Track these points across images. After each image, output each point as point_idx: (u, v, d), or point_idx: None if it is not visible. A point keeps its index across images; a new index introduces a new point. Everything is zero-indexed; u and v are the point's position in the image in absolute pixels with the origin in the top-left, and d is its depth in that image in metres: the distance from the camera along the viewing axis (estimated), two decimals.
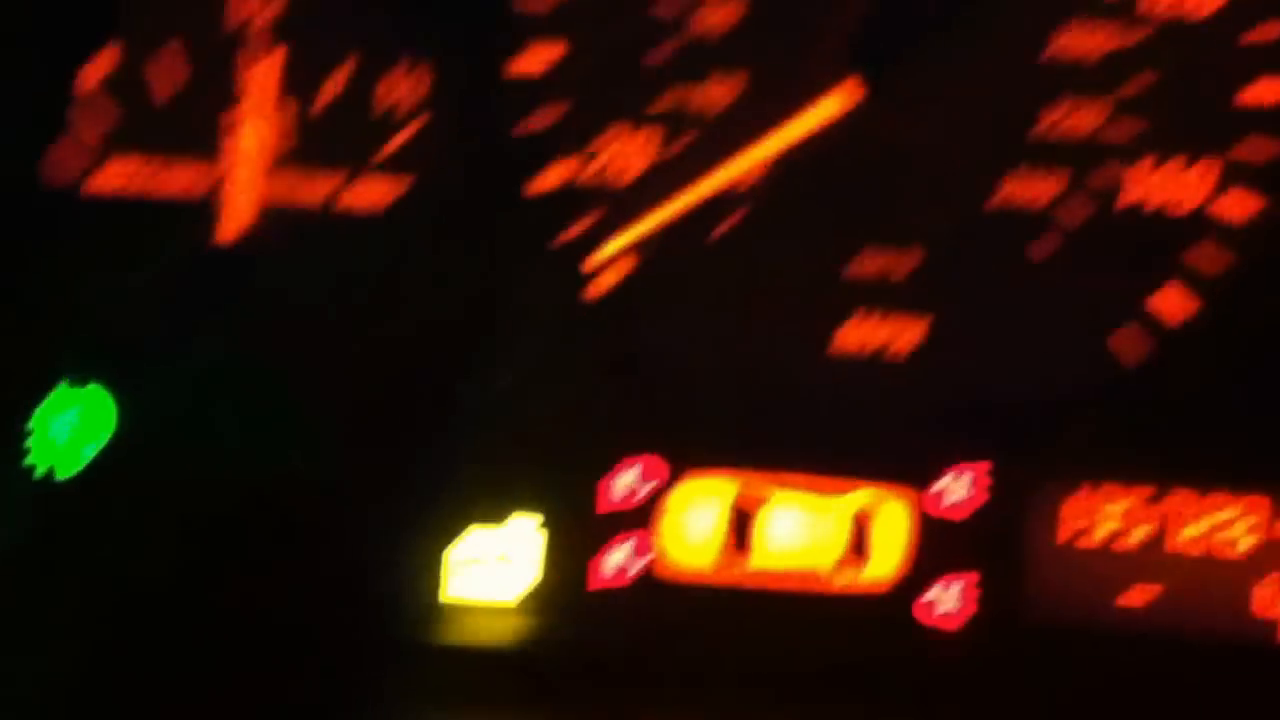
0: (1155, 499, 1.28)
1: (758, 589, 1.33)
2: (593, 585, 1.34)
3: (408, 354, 1.34)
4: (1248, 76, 1.29)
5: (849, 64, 1.30)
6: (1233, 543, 1.28)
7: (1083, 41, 1.30)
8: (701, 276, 1.34)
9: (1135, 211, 1.30)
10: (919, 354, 1.32)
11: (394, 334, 1.34)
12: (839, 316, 1.33)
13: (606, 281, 1.35)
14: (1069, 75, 1.30)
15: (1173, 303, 1.29)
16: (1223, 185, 1.29)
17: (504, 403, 1.34)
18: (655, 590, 1.33)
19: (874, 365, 1.32)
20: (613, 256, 1.33)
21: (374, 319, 1.34)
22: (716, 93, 1.33)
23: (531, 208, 1.35)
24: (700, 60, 1.33)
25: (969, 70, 1.31)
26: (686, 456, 1.34)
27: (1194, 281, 1.29)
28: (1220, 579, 1.27)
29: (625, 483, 1.35)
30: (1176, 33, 1.29)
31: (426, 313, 1.33)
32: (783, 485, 1.33)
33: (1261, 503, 1.27)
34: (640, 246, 1.34)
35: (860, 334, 1.32)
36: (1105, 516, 1.28)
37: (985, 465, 1.30)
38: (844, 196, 1.32)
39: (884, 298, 1.32)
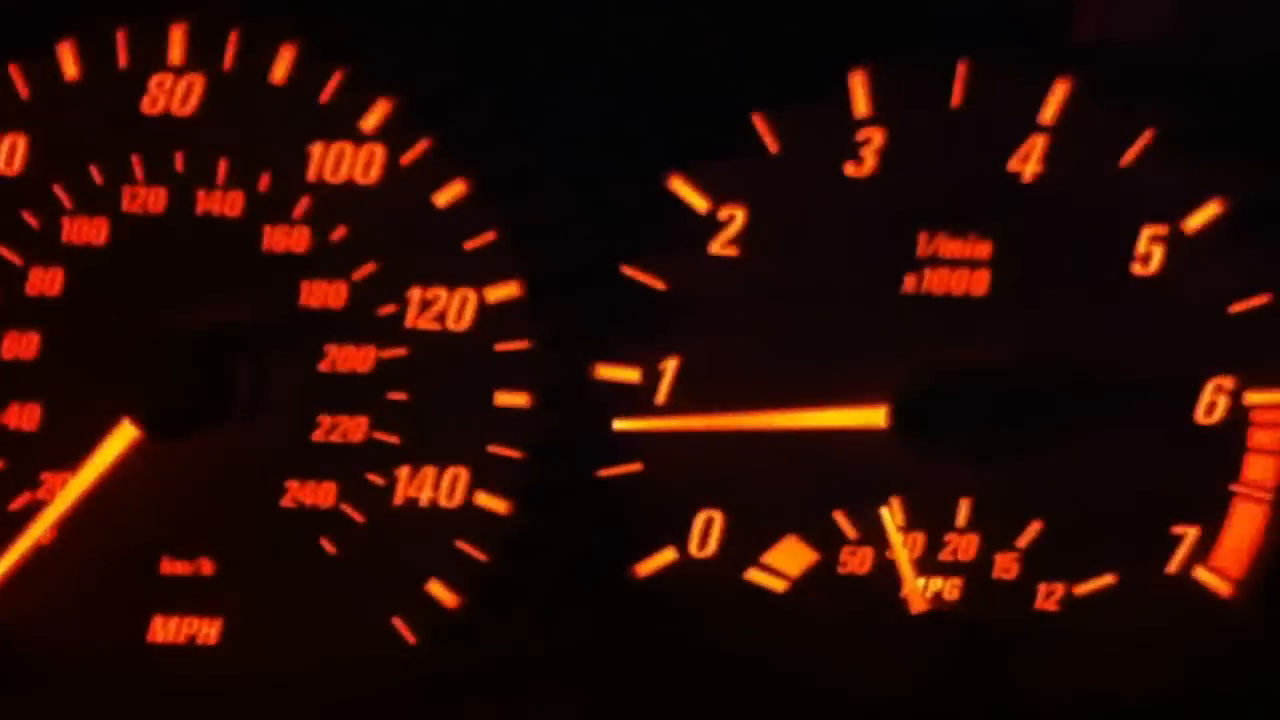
0: None
1: None
2: None
3: None
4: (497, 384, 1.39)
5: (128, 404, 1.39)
6: None
7: (353, 357, 1.39)
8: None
9: (407, 509, 1.40)
10: (218, 649, 1.43)
11: None
12: (151, 613, 1.43)
13: None
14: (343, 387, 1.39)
15: (443, 590, 1.41)
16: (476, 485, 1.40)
17: None
18: None
19: (184, 660, 1.43)
20: None
21: None
22: (19, 417, 1.42)
23: None
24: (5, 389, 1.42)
25: (245, 392, 1.40)
26: None
27: (460, 570, 1.40)
28: None
29: None
30: (435, 344, 1.39)
31: None
32: None
33: None
34: None
35: (169, 631, 1.43)
36: None
37: None
38: (152, 509, 1.42)
39: (188, 599, 1.43)
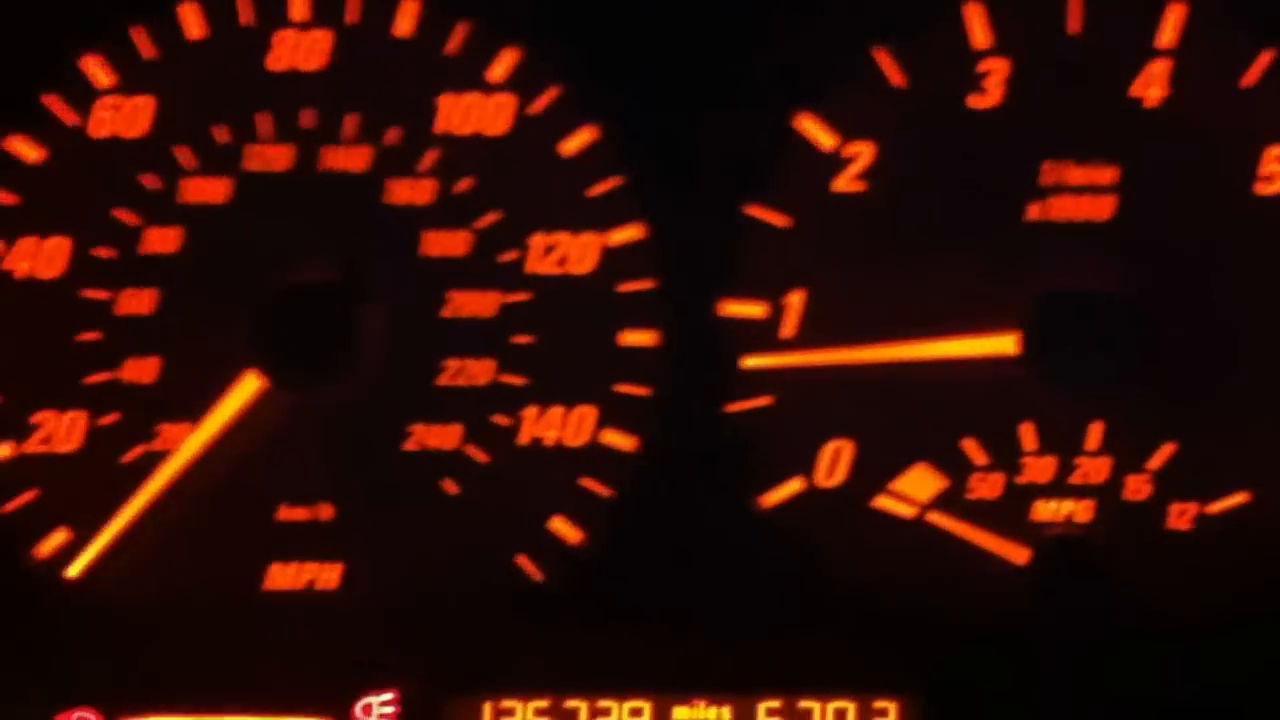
0: (552, 710, 1.39)
1: None
2: None
3: None
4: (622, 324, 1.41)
5: (251, 354, 1.41)
6: None
7: (476, 302, 1.41)
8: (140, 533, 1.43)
9: (532, 448, 1.41)
10: (343, 593, 1.43)
11: None
12: (268, 561, 1.43)
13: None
14: (467, 331, 1.41)
15: (567, 527, 1.42)
16: (603, 423, 1.41)
17: None
18: None
19: (301, 606, 1.43)
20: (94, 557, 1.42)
21: None
22: (140, 371, 1.43)
23: None
24: (125, 342, 1.43)
25: (370, 340, 1.42)
26: (120, 705, 1.40)
27: (586, 506, 1.42)
28: None
29: None
30: (557, 288, 1.41)
31: None
32: None
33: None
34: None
35: (287, 577, 1.43)
36: None
37: (396, 690, 1.40)
38: (273, 457, 1.43)
39: (306, 544, 1.42)
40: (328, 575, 1.42)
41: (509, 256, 1.41)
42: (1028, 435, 1.39)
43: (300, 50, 1.41)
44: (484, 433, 1.41)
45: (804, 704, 1.37)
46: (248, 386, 1.41)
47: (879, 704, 1.37)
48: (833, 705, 1.37)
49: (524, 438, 1.41)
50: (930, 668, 1.38)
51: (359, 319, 1.41)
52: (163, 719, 1.40)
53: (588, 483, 1.41)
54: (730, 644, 1.39)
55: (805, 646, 1.39)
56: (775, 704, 1.37)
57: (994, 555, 1.39)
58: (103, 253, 1.42)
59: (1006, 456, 1.39)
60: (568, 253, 1.41)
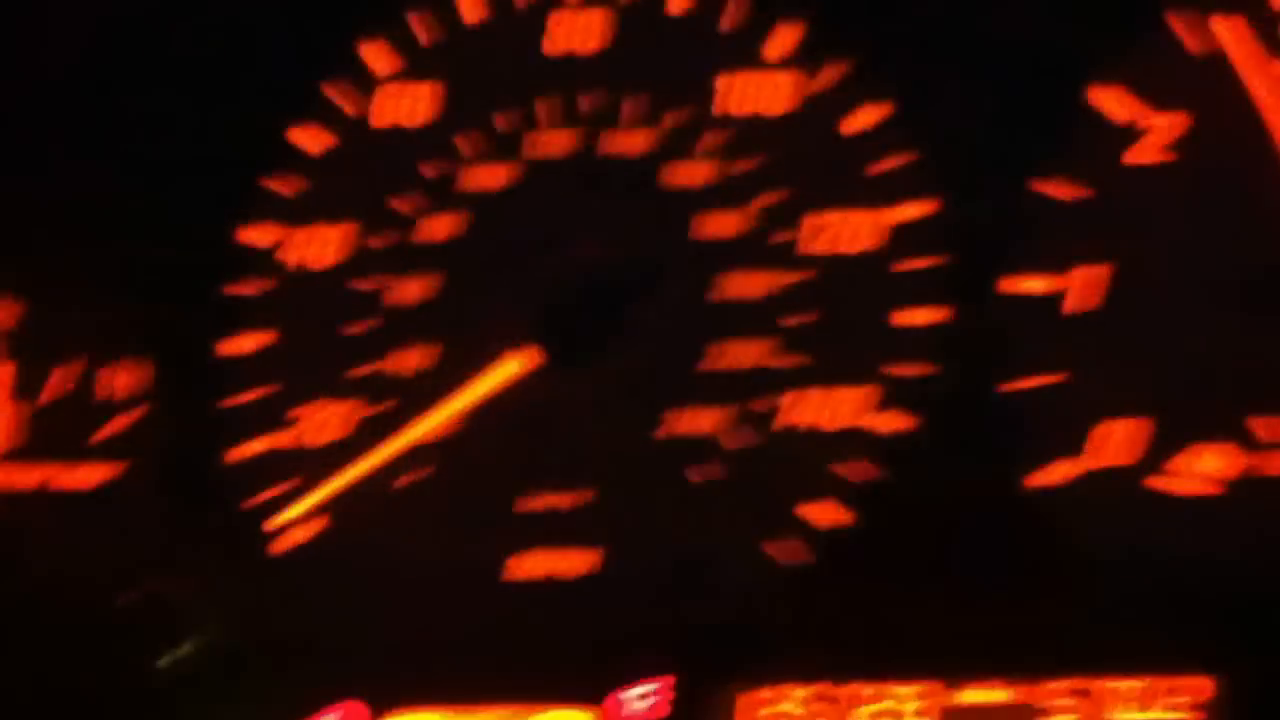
0: (831, 693, 1.30)
1: None
2: None
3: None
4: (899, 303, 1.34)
5: (529, 334, 1.37)
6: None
7: (746, 284, 1.35)
8: (388, 525, 1.39)
9: (791, 433, 1.34)
10: (597, 581, 1.36)
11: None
12: (517, 548, 1.37)
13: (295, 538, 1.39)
14: (734, 314, 1.35)
15: (827, 511, 1.33)
16: (873, 405, 1.34)
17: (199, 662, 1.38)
18: None
19: (556, 594, 1.36)
20: (302, 514, 1.38)
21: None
22: (411, 359, 1.39)
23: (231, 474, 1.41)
24: (396, 330, 1.40)
25: (640, 326, 1.37)
26: (385, 698, 1.34)
27: (845, 493, 1.33)
28: None
29: None
30: (831, 268, 1.34)
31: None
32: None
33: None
34: (332, 503, 1.39)
35: (537, 564, 1.37)
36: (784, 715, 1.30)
37: (665, 679, 1.32)
38: (520, 442, 1.38)
39: (560, 530, 1.36)
40: (578, 562, 1.37)
41: (784, 236, 1.37)
42: None
43: (576, 32, 1.40)
44: (745, 418, 1.36)
45: (1103, 684, 1.30)
46: (517, 362, 1.37)
47: (1190, 682, 1.29)
48: (1135, 684, 1.29)
49: (788, 421, 1.35)
50: (1247, 644, 1.29)
51: (628, 301, 1.38)
52: (427, 712, 1.35)
53: (854, 463, 1.35)
54: (1001, 626, 1.33)
55: (1095, 627, 1.31)
56: (1070, 684, 1.30)
57: None
58: (377, 242, 1.41)
59: None
60: (844, 230, 1.37)
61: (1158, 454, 1.32)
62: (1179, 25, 1.33)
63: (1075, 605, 1.31)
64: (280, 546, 1.39)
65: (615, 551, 1.37)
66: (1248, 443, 1.31)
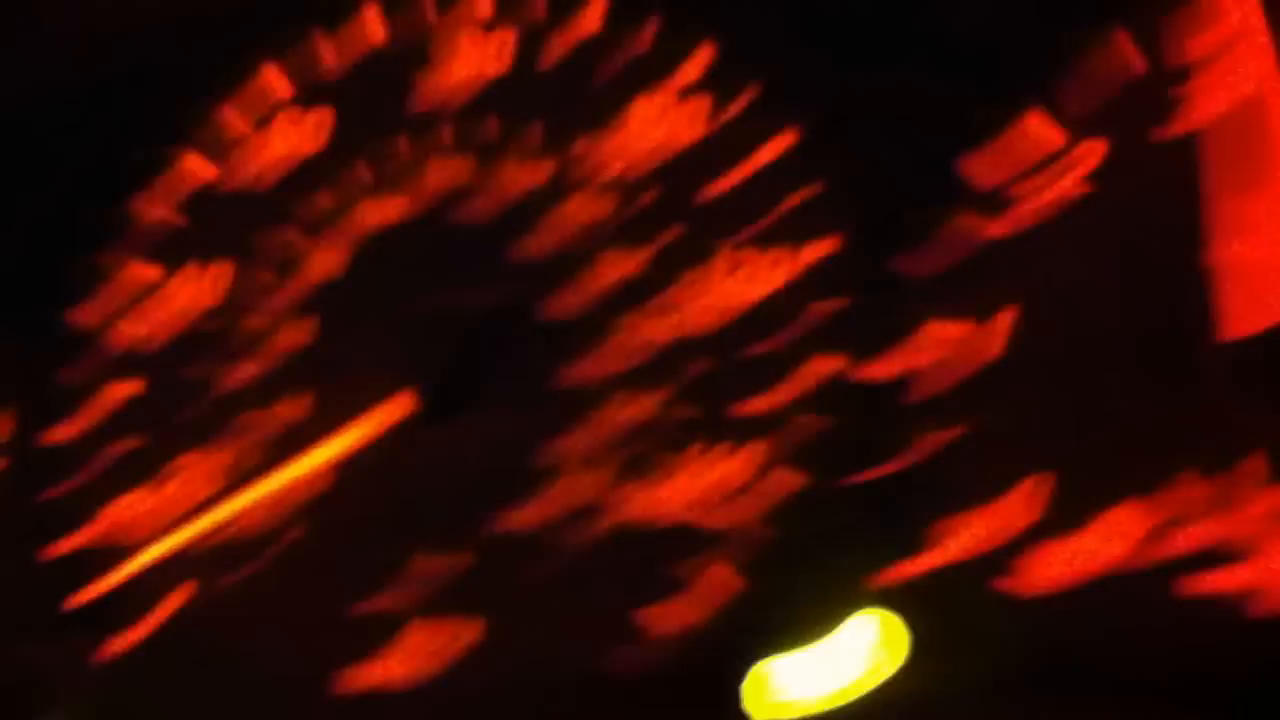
0: None
1: None
2: None
3: None
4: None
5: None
6: None
7: (642, 330, 1.24)
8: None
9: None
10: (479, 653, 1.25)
11: None
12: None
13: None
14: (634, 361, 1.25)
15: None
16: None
17: None
18: None
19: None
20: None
21: None
22: (285, 412, 1.33)
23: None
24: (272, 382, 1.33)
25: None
26: None
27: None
28: None
29: None
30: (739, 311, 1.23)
31: None
32: None
33: None
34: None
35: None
36: None
37: None
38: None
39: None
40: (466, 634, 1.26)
41: (691, 274, 1.26)
42: None
43: (478, 56, 1.32)
44: (639, 470, 1.24)
45: None
46: (393, 409, 1.27)
47: None
48: None
49: (686, 474, 1.23)
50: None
51: (513, 349, 1.28)
52: None
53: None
54: None
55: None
56: None
57: None
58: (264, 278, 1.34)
59: None
60: (756, 269, 1.25)
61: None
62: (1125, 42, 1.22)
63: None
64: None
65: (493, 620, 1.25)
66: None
